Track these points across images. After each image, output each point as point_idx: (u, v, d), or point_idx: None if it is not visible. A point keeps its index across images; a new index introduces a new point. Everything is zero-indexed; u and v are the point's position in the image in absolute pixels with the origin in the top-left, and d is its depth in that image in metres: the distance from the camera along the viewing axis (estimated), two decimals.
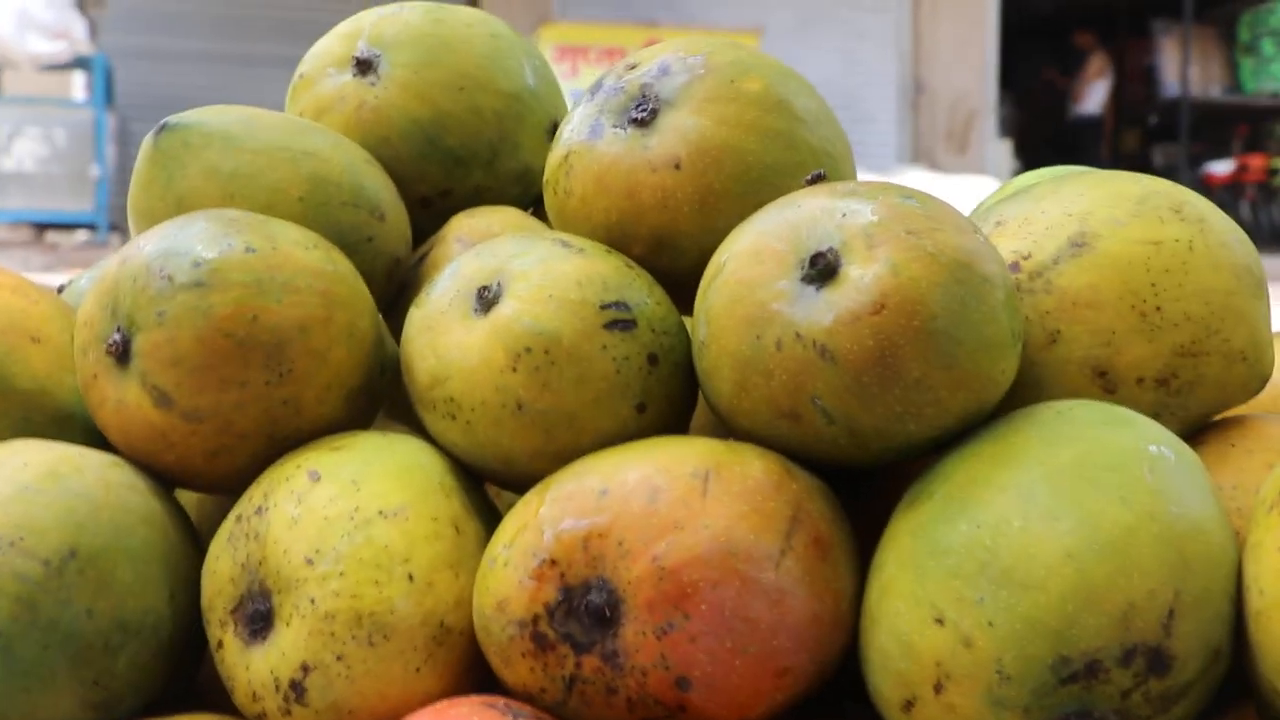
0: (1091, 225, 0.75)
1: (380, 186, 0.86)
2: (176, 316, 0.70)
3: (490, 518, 0.74)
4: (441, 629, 0.67)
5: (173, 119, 0.83)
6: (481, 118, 0.92)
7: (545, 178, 0.80)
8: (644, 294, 0.72)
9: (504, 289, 0.72)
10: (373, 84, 0.91)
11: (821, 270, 0.66)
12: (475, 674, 0.69)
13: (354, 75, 0.92)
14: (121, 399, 0.73)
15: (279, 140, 0.83)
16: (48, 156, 6.21)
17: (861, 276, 0.65)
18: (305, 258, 0.73)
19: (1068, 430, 0.66)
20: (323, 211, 0.83)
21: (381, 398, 0.80)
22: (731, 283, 0.69)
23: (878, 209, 0.67)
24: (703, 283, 0.72)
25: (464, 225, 0.88)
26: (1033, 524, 0.62)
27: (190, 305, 0.70)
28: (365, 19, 0.94)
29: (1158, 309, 0.74)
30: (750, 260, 0.69)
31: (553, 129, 0.96)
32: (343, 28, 0.95)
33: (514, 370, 0.70)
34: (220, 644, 0.70)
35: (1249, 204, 7.46)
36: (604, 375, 0.70)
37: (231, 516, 0.71)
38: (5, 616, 0.65)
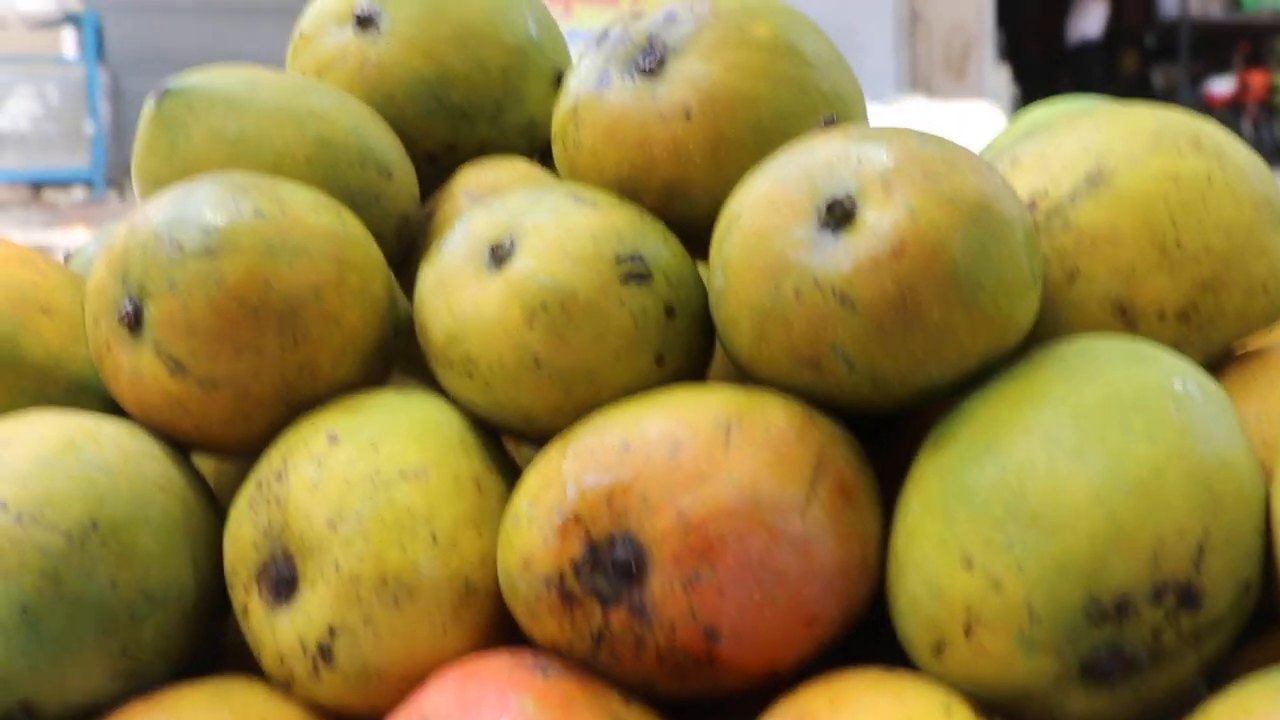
0: (1109, 161, 0.74)
1: (387, 144, 0.85)
2: (188, 285, 0.70)
3: (511, 473, 0.73)
4: (467, 587, 0.67)
5: (174, 82, 0.82)
6: (486, 72, 0.91)
7: (554, 130, 0.79)
8: (659, 245, 0.72)
9: (517, 244, 0.71)
10: (375, 41, 0.90)
11: (839, 217, 0.66)
12: (502, 631, 0.69)
13: (355, 32, 0.91)
14: (136, 368, 0.72)
15: (283, 102, 0.82)
16: (41, 115, 6.17)
17: (879, 222, 0.65)
18: (316, 221, 0.73)
19: (1091, 368, 0.66)
20: (330, 173, 0.82)
21: (396, 357, 0.79)
22: (747, 232, 0.68)
23: (894, 153, 0.66)
24: (717, 232, 0.71)
25: (471, 179, 0.88)
26: (1059, 465, 0.62)
27: (202, 273, 0.69)
28: None
29: (1178, 244, 0.73)
30: (765, 209, 0.68)
31: (557, 79, 0.95)
32: None
33: (531, 328, 0.69)
34: (245, 610, 0.70)
35: (1251, 123, 7.40)
36: (622, 329, 0.69)
37: (251, 481, 0.71)
38: (31, 591, 0.65)
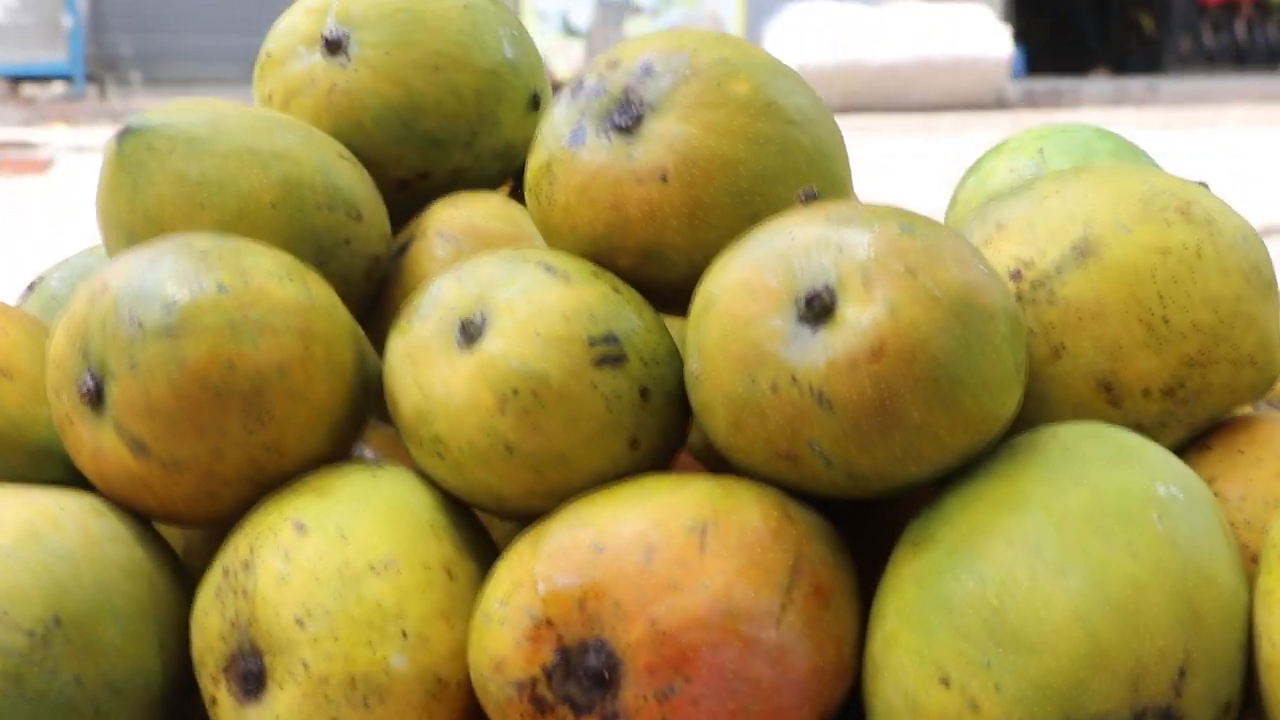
0: (1096, 230, 0.72)
1: (355, 182, 0.83)
2: (149, 366, 0.68)
3: (483, 552, 0.72)
4: (438, 684, 0.66)
5: (135, 121, 0.79)
6: (459, 98, 0.88)
7: (526, 182, 0.77)
8: (633, 322, 0.70)
9: (488, 322, 0.69)
10: (343, 65, 0.87)
11: (818, 311, 0.64)
12: None
13: (323, 56, 0.88)
14: (98, 444, 0.71)
15: (247, 141, 0.79)
16: (17, 7, 6.07)
17: (859, 319, 0.63)
18: (280, 292, 0.70)
19: (1074, 470, 0.64)
20: (297, 217, 0.79)
21: (367, 416, 0.77)
22: (724, 318, 0.66)
23: (874, 243, 0.64)
24: (693, 312, 0.69)
25: (444, 217, 0.85)
26: (1040, 581, 0.61)
27: (163, 354, 0.67)
28: None
29: (1165, 320, 0.71)
30: (742, 295, 0.66)
31: (533, 100, 0.92)
32: (308, 1, 0.90)
33: (502, 413, 0.67)
34: (214, 700, 0.69)
35: (1245, 24, 7.31)
36: (595, 414, 0.68)
37: (218, 568, 0.69)
38: None
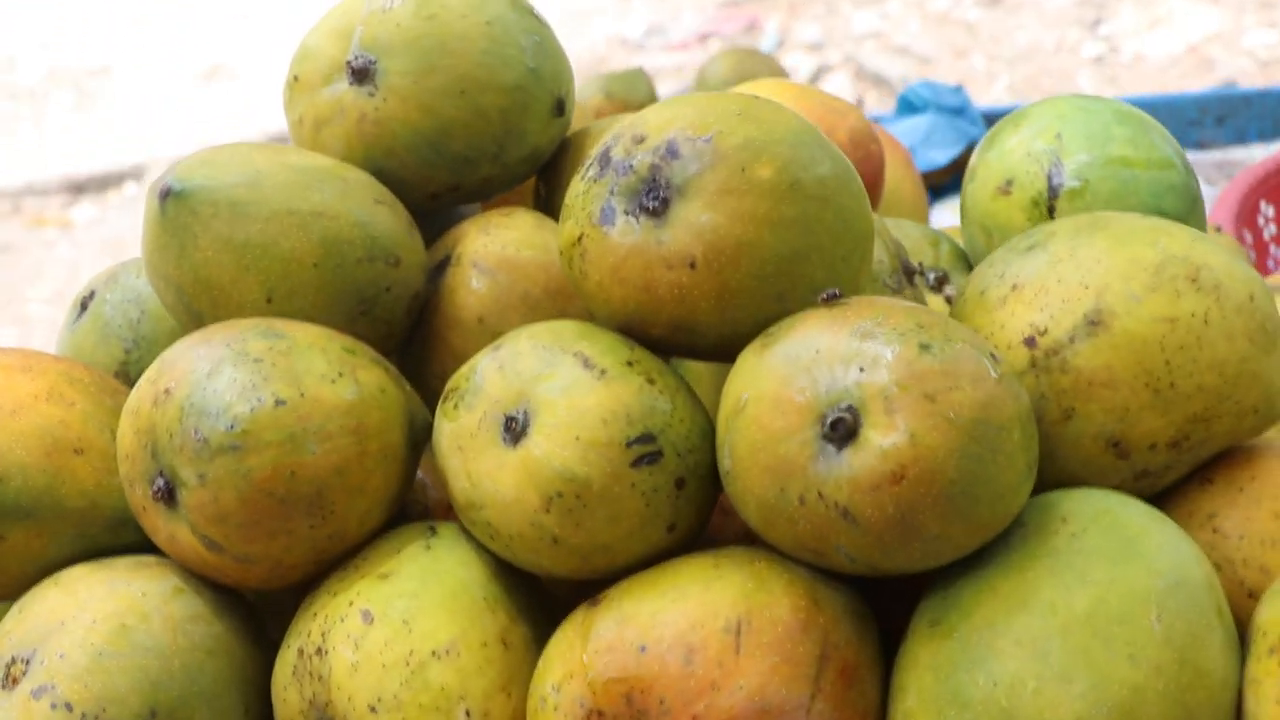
0: (1108, 301, 0.76)
1: (392, 227, 0.86)
2: (218, 479, 0.73)
3: (536, 612, 0.78)
4: None
5: (175, 183, 0.82)
6: (485, 118, 0.90)
7: (560, 248, 0.80)
8: (668, 415, 0.74)
9: (531, 419, 0.74)
10: (371, 94, 0.89)
11: (842, 435, 0.68)
12: None
13: (350, 83, 0.89)
14: (173, 535, 0.76)
15: (287, 203, 0.82)
16: None
17: (881, 444, 0.67)
18: (333, 396, 0.75)
19: (1080, 566, 0.69)
20: (338, 274, 0.83)
21: (417, 466, 0.83)
22: (753, 429, 0.71)
23: (894, 365, 0.68)
24: (724, 410, 0.73)
25: (478, 247, 0.88)
26: (1046, 686, 0.66)
27: (229, 468, 0.72)
28: (354, 11, 0.90)
29: (1171, 385, 0.75)
30: (771, 408, 0.70)
31: (558, 106, 0.94)
32: (332, 22, 0.91)
33: (547, 511, 0.73)
34: None
35: None
36: (635, 511, 0.73)
37: (293, 648, 0.76)
38: None
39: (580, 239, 0.78)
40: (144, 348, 0.92)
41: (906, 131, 2.06)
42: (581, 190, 0.79)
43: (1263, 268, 1.43)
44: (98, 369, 0.88)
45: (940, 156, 2.04)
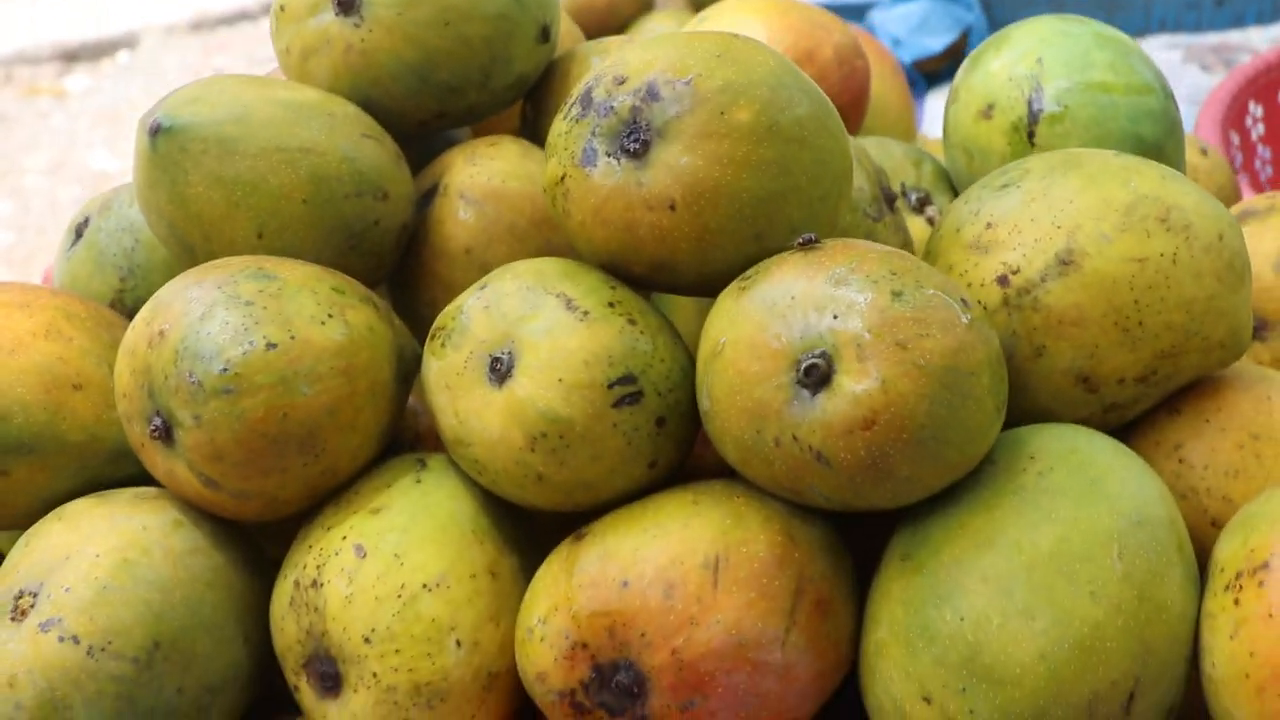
0: (1079, 241, 0.77)
1: (380, 161, 0.87)
2: (212, 420, 0.75)
3: (522, 542, 0.81)
4: (490, 678, 0.77)
5: (164, 118, 0.83)
6: (470, 47, 0.91)
7: (544, 186, 0.82)
8: (649, 355, 0.76)
9: (515, 360, 0.76)
10: (357, 25, 0.90)
11: (816, 380, 0.70)
12: (522, 703, 0.79)
13: (336, 14, 0.90)
14: (171, 470, 0.79)
15: (275, 139, 0.83)
16: None
17: (853, 390, 0.69)
18: (322, 338, 0.77)
19: (1045, 505, 0.72)
20: (328, 209, 0.84)
21: (407, 399, 0.85)
22: (731, 372, 0.73)
23: (867, 313, 0.70)
24: (702, 353, 0.75)
25: (465, 178, 0.90)
26: (1010, 622, 0.69)
27: (223, 410, 0.75)
28: None
29: (1140, 323, 0.77)
30: (747, 352, 0.72)
31: (543, 33, 0.95)
32: None
33: (532, 450, 0.75)
34: (297, 688, 0.80)
35: None
36: (616, 449, 0.75)
37: (289, 579, 0.79)
38: (110, 713, 0.75)
39: (563, 179, 0.79)
40: (139, 276, 0.94)
41: (900, 18, 2.05)
42: (564, 130, 0.80)
43: (1249, 167, 1.43)
44: (94, 302, 0.89)
45: (935, 44, 2.04)
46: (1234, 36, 2.09)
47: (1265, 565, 0.69)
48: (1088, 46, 0.95)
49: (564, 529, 0.80)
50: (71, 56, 5.35)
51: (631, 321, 0.77)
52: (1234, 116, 1.39)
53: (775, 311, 0.72)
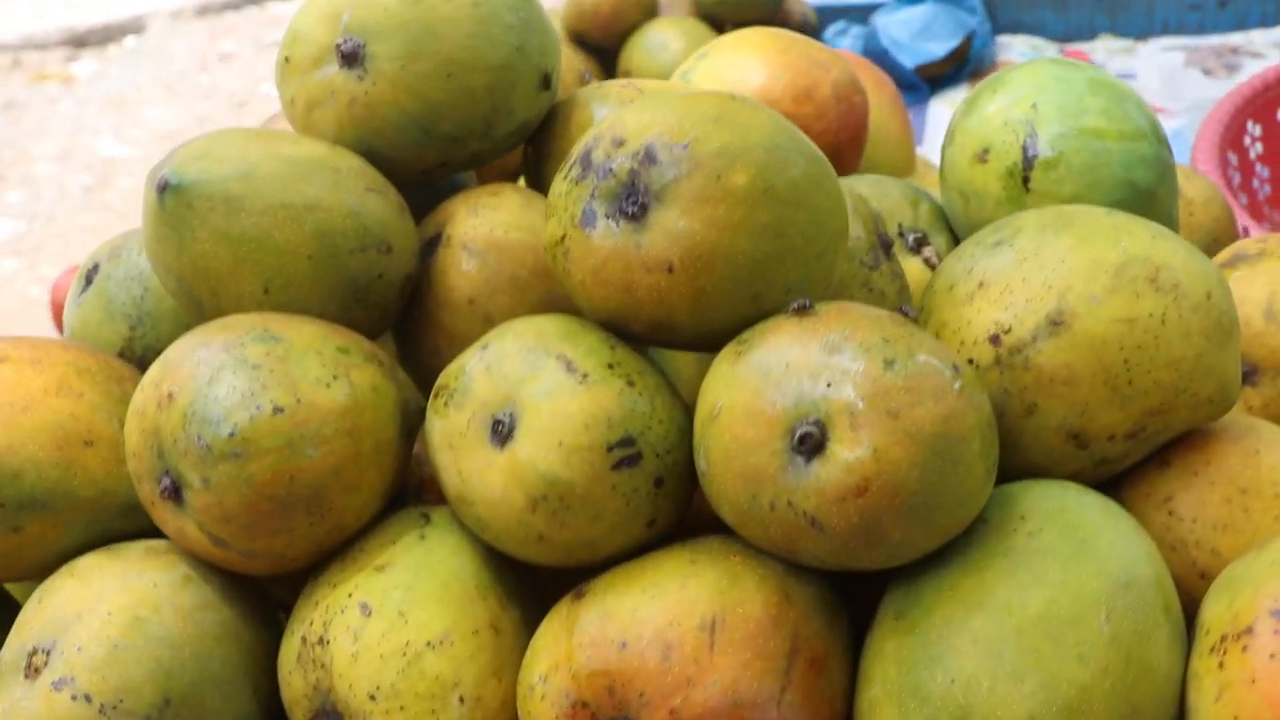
0: (1069, 301, 0.79)
1: (383, 215, 0.88)
2: (220, 483, 0.77)
3: (525, 596, 0.83)
4: None
5: (171, 176, 0.85)
6: (473, 98, 0.92)
7: (544, 245, 0.83)
8: (647, 416, 0.78)
9: (517, 422, 0.77)
10: (360, 78, 0.91)
11: (810, 448, 0.72)
12: None
13: (340, 67, 0.91)
14: (181, 529, 0.81)
15: (280, 196, 0.85)
16: None
17: (846, 458, 0.71)
18: (328, 401, 0.78)
19: (1035, 566, 0.74)
20: (332, 265, 0.86)
21: (411, 451, 0.87)
22: (727, 437, 0.74)
23: (860, 383, 0.72)
24: (699, 416, 0.77)
25: (468, 229, 0.91)
26: (1000, 684, 0.71)
27: (231, 473, 0.76)
28: (341, 1, 0.92)
29: (1129, 382, 0.79)
30: (743, 418, 0.74)
31: (544, 81, 0.96)
32: (321, 4, 0.93)
33: (533, 512, 0.77)
34: None
35: None
36: (616, 510, 0.77)
37: (296, 635, 0.80)
38: None
39: (563, 239, 0.81)
40: (148, 325, 0.96)
41: (904, 22, 2.06)
42: (564, 190, 0.81)
43: (1246, 187, 1.44)
44: (104, 354, 0.91)
45: (938, 49, 2.05)
46: (1236, 38, 2.10)
47: (1249, 630, 0.70)
48: (1082, 92, 0.97)
49: (565, 580, 0.82)
50: (79, 42, 5.36)
51: (630, 383, 0.78)
52: (1232, 137, 1.40)
53: (770, 378, 0.74)
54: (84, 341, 0.97)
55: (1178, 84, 2.05)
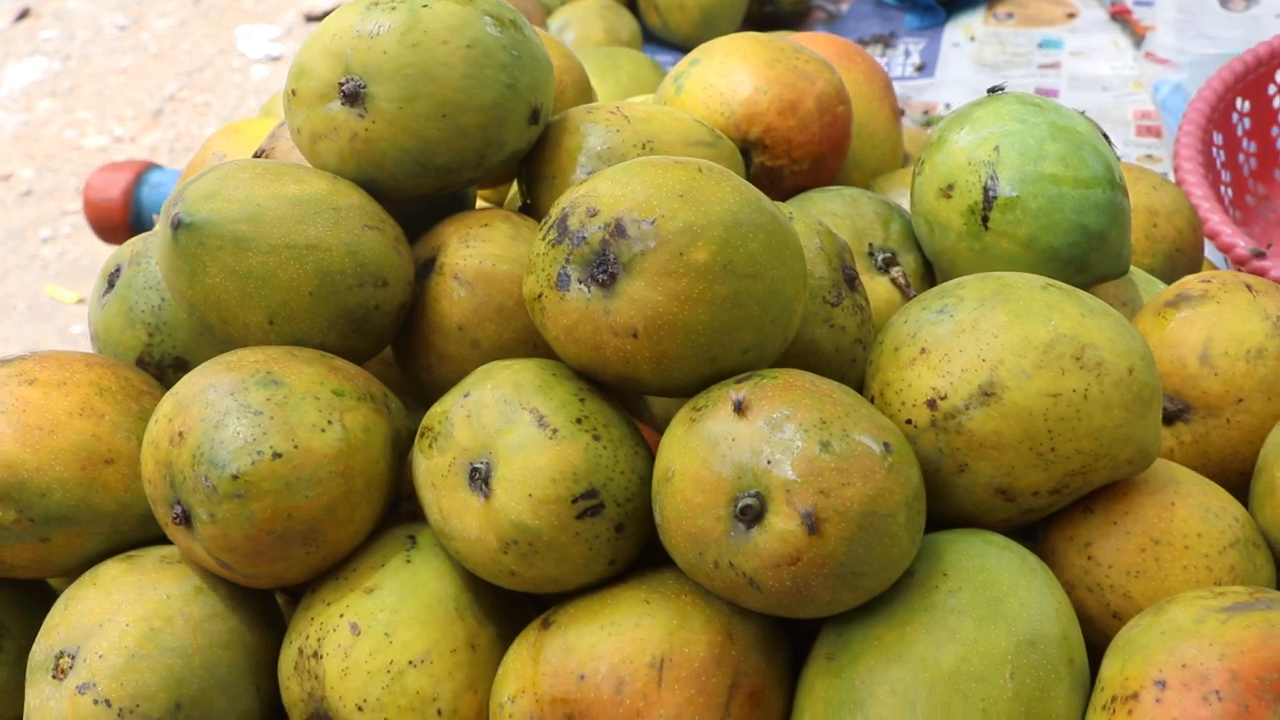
0: (1000, 375, 0.86)
1: (380, 251, 0.96)
2: (225, 519, 0.86)
3: (500, 612, 0.92)
4: None
5: (184, 215, 0.92)
6: (466, 135, 0.99)
7: (525, 296, 0.90)
8: (610, 469, 0.86)
9: (492, 470, 0.86)
10: (361, 116, 0.97)
11: (750, 518, 0.80)
12: None
13: (343, 104, 0.98)
14: (191, 548, 0.90)
15: (284, 237, 0.92)
16: None
17: (782, 529, 0.79)
18: (323, 446, 0.87)
19: (951, 624, 0.82)
20: (332, 300, 0.94)
21: (399, 481, 0.96)
22: (678, 499, 0.83)
23: (796, 464, 0.79)
24: (656, 474, 0.85)
25: (459, 260, 0.98)
26: None
27: (235, 511, 0.85)
28: (344, 32, 0.98)
29: (1053, 449, 0.86)
30: (692, 484, 0.82)
31: (534, 115, 1.02)
32: (325, 41, 0.99)
33: (505, 553, 0.86)
34: None
35: None
36: (580, 554, 0.86)
37: (294, 646, 0.90)
38: None
39: (540, 296, 0.88)
40: (165, 332, 1.04)
41: None
42: (542, 251, 0.89)
43: (1232, 164, 1.49)
44: (124, 369, 0.99)
45: None
46: None
47: (1135, 696, 0.79)
48: (1042, 138, 1.02)
49: (538, 597, 0.91)
50: None
51: (596, 437, 0.86)
52: (1220, 117, 1.44)
53: (717, 451, 0.82)
54: (107, 344, 1.05)
55: (1193, 16, 2.07)
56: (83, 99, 4.74)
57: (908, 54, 2.09)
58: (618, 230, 0.85)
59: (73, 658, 0.88)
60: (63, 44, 5.08)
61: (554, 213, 0.90)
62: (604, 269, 0.85)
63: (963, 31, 2.12)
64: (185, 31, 5.13)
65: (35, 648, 0.90)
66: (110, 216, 1.98)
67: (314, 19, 5.08)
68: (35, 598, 1.00)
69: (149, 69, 4.90)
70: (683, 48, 2.09)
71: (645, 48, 2.09)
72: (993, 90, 1.06)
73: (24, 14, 5.27)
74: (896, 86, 2.01)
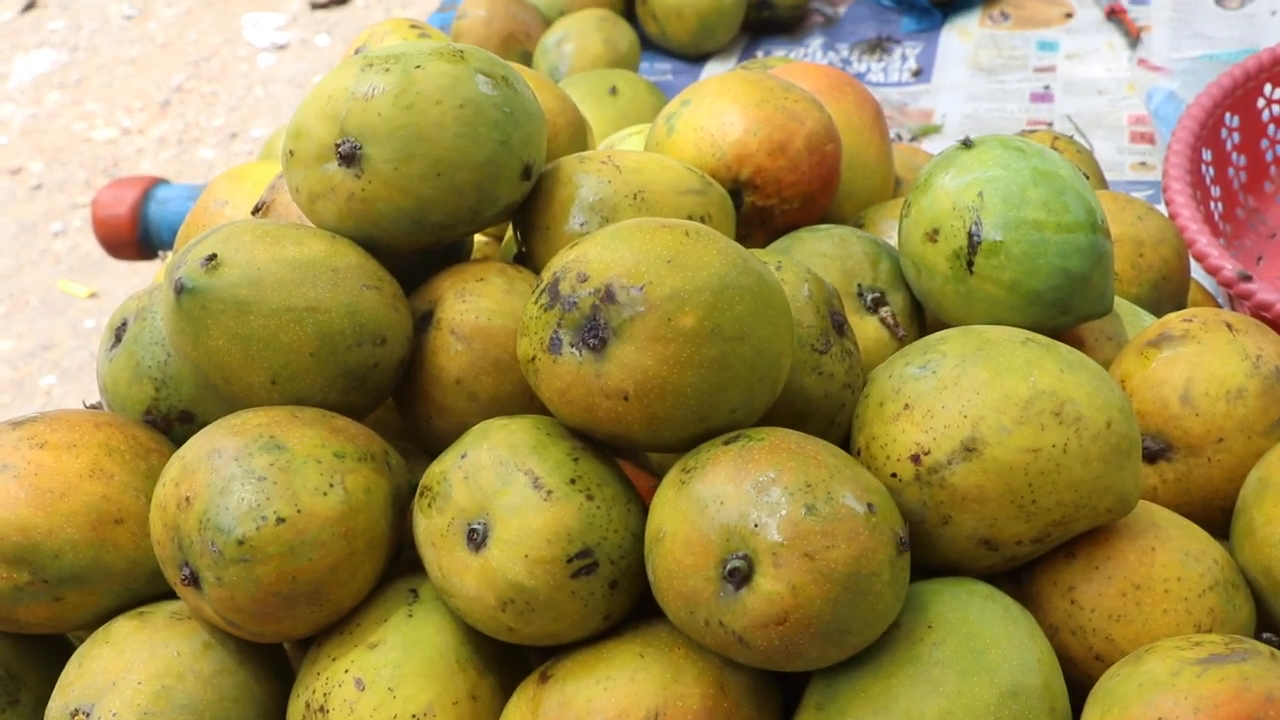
0: (981, 431, 0.89)
1: (378, 311, 0.98)
2: (231, 582, 0.89)
3: (500, 662, 0.95)
4: None
5: (187, 280, 0.95)
6: (460, 193, 1.01)
7: (519, 357, 0.93)
8: (604, 528, 0.88)
9: (489, 531, 0.88)
10: (357, 176, 1.00)
11: (738, 579, 0.83)
12: None
13: (339, 165, 1.00)
14: (200, 607, 0.93)
15: (284, 301, 0.95)
16: None
17: (769, 591, 0.82)
18: (325, 509, 0.90)
19: (936, 676, 0.85)
20: (332, 360, 0.96)
21: (400, 534, 0.98)
22: (669, 560, 0.86)
23: (782, 528, 0.82)
24: (648, 534, 0.88)
25: (456, 315, 1.01)
26: None
27: (240, 575, 0.88)
28: (340, 95, 1.00)
29: (1034, 501, 0.89)
30: (683, 546, 0.85)
31: (525, 171, 1.05)
32: (321, 103, 1.01)
33: (503, 611, 0.89)
34: None
35: None
36: (575, 611, 0.89)
37: (301, 699, 0.93)
38: None
39: (534, 359, 0.91)
40: (171, 386, 1.07)
41: None
42: (535, 314, 0.91)
43: (1222, 179, 1.51)
44: (132, 428, 1.02)
45: None
46: None
47: None
48: (1025, 183, 1.05)
49: (538, 648, 0.94)
50: None
51: (590, 497, 0.89)
52: (1209, 134, 1.46)
53: (706, 513, 0.84)
54: (115, 397, 1.08)
55: (1189, 14, 2.09)
56: (91, 90, 4.76)
57: (904, 58, 2.11)
58: (607, 296, 0.88)
59: (88, 715, 0.91)
60: (70, 34, 5.10)
61: (546, 277, 0.92)
62: (594, 334, 0.88)
63: (959, 34, 2.14)
64: (191, 20, 5.15)
65: (51, 704, 0.94)
66: (119, 233, 2.01)
67: (319, 6, 5.10)
68: (51, 650, 1.03)
69: (156, 59, 4.93)
70: (681, 56, 2.11)
71: (644, 56, 2.11)
72: (964, 143, 1.08)
73: (30, 4, 5.30)
74: (893, 93, 2.03)
